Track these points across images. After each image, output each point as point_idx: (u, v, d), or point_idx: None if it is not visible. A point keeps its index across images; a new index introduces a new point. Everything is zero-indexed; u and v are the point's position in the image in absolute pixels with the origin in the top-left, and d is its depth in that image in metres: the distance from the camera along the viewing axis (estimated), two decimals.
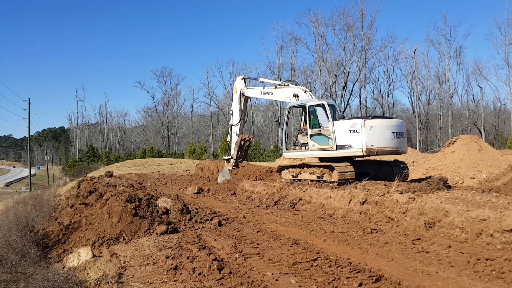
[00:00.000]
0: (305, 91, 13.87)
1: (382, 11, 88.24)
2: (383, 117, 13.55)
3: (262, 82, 17.06)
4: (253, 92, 16.92)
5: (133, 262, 5.91)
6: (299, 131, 13.91)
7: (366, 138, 10.95)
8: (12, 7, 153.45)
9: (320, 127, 12.30)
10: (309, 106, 12.62)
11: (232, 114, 17.77)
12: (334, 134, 11.71)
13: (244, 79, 17.43)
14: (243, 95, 17.14)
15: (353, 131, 11.23)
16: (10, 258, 6.48)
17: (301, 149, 13.25)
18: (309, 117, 12.64)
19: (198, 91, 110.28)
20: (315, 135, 12.38)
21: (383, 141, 11.16)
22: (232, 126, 17.61)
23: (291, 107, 14.00)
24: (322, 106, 12.32)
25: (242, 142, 17.12)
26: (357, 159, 12.52)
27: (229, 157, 17.61)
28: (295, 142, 13.79)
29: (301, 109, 14.10)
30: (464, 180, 11.82)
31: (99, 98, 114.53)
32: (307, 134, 12.84)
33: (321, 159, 12.57)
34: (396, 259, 5.46)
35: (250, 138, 17.79)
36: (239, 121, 17.27)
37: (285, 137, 14.08)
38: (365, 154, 11.07)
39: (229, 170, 17.35)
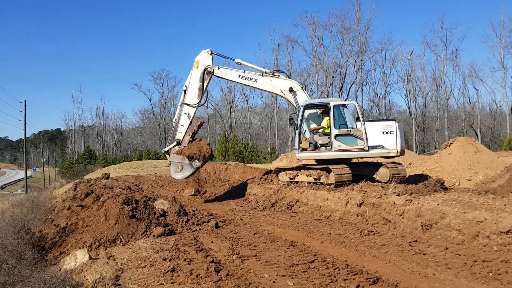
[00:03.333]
0: (302, 87, 13.25)
1: (379, 14, 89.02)
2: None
3: (240, 64, 13.87)
4: (228, 73, 13.80)
5: (130, 265, 5.89)
6: (311, 131, 12.96)
7: (400, 140, 11.66)
8: (8, 8, 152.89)
9: (348, 127, 12.03)
10: (334, 106, 12.11)
11: (186, 91, 13.77)
12: (366, 135, 11.75)
13: (212, 54, 13.76)
14: (210, 73, 13.72)
15: (387, 133, 11.76)
16: (6, 260, 6.44)
17: (320, 149, 12.58)
18: (332, 116, 12.10)
19: None
20: (342, 136, 11.97)
21: (404, 143, 12.04)
22: (185, 106, 13.68)
23: (308, 105, 12.83)
24: (351, 106, 12.46)
25: (196, 128, 13.93)
26: (359, 159, 12.66)
27: (174, 144, 13.76)
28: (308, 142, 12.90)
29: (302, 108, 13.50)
30: (461, 182, 11.86)
31: (96, 100, 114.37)
32: (325, 134, 12.52)
33: (344, 160, 12.28)
34: (393, 261, 5.48)
35: (203, 122, 15.13)
36: (197, 103, 13.74)
37: (299, 138, 12.81)
38: (399, 154, 11.69)
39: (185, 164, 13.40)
